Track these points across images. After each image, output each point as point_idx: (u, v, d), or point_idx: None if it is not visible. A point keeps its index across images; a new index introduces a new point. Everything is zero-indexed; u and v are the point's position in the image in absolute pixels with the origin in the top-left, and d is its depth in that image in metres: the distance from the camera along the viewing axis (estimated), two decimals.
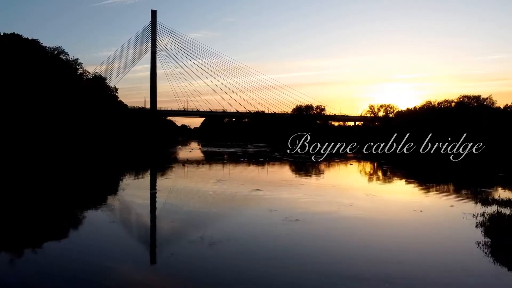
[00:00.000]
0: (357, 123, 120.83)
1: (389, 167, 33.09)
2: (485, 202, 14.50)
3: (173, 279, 6.83)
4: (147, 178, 24.55)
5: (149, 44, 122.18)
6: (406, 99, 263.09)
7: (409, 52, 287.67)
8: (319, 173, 27.89)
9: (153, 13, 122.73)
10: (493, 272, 7.38)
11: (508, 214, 11.68)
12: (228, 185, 19.71)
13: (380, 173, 29.08)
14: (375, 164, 36.76)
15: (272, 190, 17.87)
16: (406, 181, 23.62)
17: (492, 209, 12.87)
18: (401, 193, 18.57)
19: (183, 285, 6.57)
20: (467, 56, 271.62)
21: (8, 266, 7.42)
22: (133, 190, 18.34)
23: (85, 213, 12.81)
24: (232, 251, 8.57)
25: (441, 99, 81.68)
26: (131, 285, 6.49)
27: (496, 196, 16.01)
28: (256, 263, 7.73)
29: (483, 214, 11.99)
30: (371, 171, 30.72)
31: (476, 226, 10.80)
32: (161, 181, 22.10)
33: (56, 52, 58.48)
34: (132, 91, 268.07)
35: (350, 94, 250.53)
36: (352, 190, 18.90)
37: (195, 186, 19.84)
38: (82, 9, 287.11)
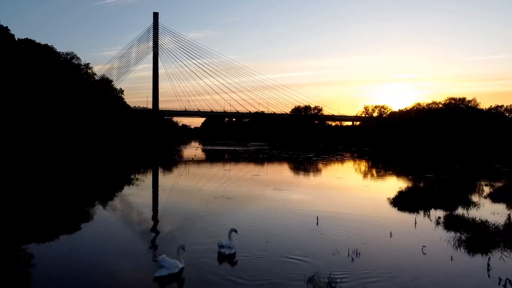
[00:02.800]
0: (354, 123, 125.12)
1: (370, 161, 38.22)
2: (418, 181, 19.65)
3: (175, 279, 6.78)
4: (167, 171, 29.85)
5: (150, 44, 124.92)
6: (405, 99, 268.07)
7: (409, 52, 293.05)
8: (307, 165, 33.20)
9: (155, 15, 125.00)
10: (386, 208, 13.44)
11: (420, 186, 16.80)
12: (233, 172, 25.63)
13: (358, 165, 34.29)
14: (360, 159, 42.11)
15: (266, 175, 23.92)
16: (375, 170, 28.92)
17: (417, 184, 17.95)
18: (362, 177, 24.32)
19: (185, 285, 6.52)
20: (467, 56, 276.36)
21: (9, 266, 7.42)
22: (160, 179, 24.16)
23: (100, 211, 12.91)
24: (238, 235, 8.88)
25: (439, 99, 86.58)
26: (133, 285, 6.49)
27: (429, 179, 21.46)
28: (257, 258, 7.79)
29: (407, 187, 17.02)
30: (352, 164, 35.88)
31: (397, 192, 15.85)
32: (177, 173, 27.62)
33: (69, 57, 63.75)
34: (132, 90, 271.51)
35: (350, 94, 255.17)
36: (327, 175, 24.41)
37: (206, 175, 25.74)
38: (82, 8, 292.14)
